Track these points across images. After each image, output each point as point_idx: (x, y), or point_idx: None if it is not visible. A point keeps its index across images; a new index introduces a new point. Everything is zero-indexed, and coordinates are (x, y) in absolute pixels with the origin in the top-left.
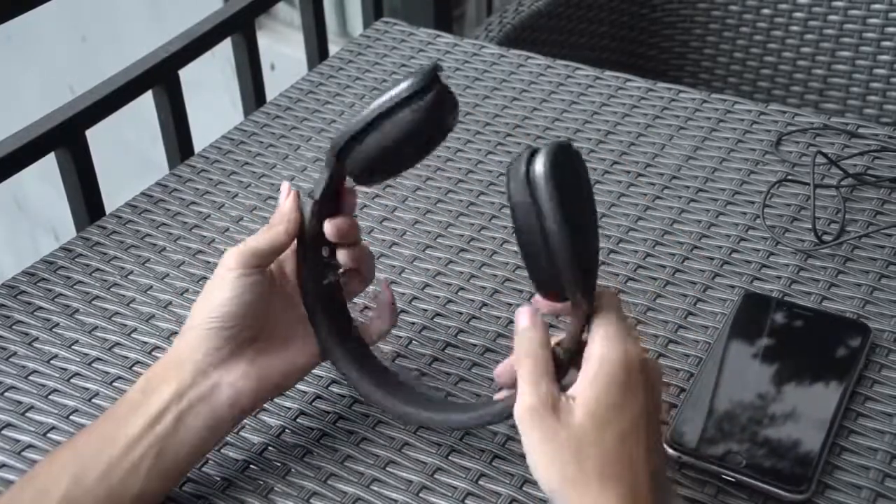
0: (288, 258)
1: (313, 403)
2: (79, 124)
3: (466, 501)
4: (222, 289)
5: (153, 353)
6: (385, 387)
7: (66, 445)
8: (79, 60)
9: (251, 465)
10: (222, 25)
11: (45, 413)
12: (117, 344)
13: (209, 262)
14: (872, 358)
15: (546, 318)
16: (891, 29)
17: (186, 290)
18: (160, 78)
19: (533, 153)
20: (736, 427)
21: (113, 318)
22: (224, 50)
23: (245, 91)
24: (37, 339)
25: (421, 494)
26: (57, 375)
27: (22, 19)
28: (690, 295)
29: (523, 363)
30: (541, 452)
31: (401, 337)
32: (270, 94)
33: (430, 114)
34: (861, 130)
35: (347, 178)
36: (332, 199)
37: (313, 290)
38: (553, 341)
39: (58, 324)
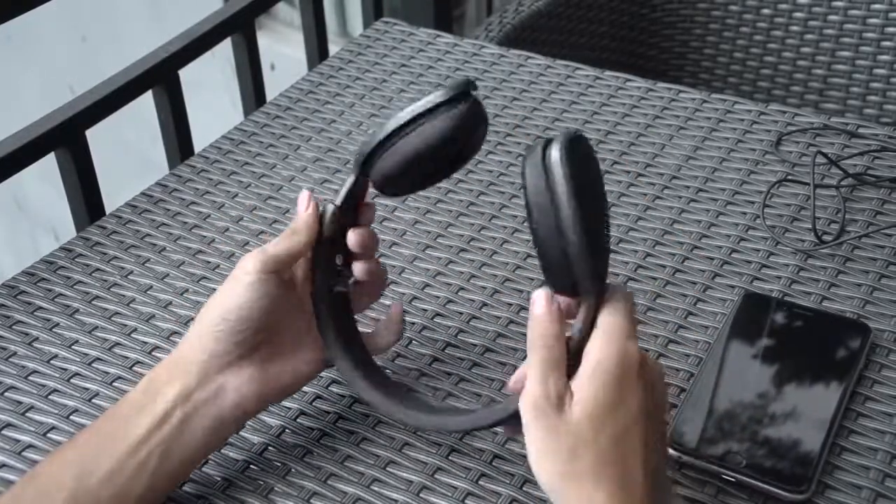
0: (300, 263)
1: (313, 403)
2: (79, 124)
3: (466, 501)
4: (238, 292)
5: (153, 353)
6: (389, 395)
7: (68, 445)
8: (79, 60)
9: (251, 465)
10: (222, 25)
11: (45, 413)
12: (117, 344)
13: (209, 262)
14: (872, 358)
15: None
16: (891, 29)
17: (186, 290)
18: (160, 78)
19: (549, 141)
20: (736, 427)
21: (113, 318)
22: (224, 50)
23: (245, 91)
24: (37, 339)
25: (421, 494)
26: (57, 375)
27: (22, 19)
28: (690, 295)
29: (535, 352)
30: (540, 446)
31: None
32: (270, 94)
33: (464, 122)
34: (861, 130)
35: (370, 192)
36: (353, 208)
37: (323, 297)
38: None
39: (58, 324)
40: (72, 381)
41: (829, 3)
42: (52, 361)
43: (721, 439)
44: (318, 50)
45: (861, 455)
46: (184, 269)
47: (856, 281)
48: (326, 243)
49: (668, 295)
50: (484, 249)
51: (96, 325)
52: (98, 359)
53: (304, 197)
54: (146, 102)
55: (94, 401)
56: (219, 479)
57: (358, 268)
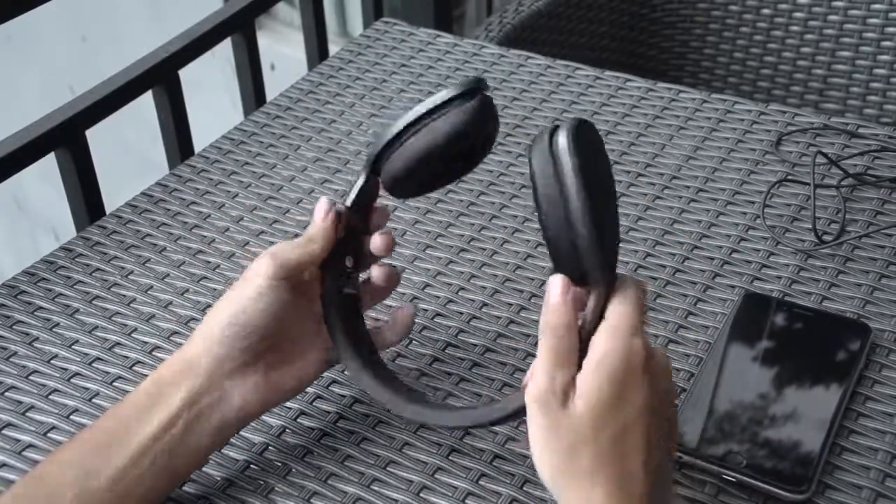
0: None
1: (314, 403)
2: (79, 124)
3: (467, 501)
4: (249, 297)
5: (153, 353)
6: (396, 392)
7: (69, 445)
8: (79, 60)
9: (252, 465)
10: (222, 25)
11: (45, 413)
12: (117, 344)
13: (209, 262)
14: (873, 358)
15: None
16: (891, 29)
17: (187, 290)
18: (160, 78)
19: (556, 127)
20: (736, 427)
21: (113, 318)
22: (224, 50)
23: (245, 91)
24: (37, 339)
25: (421, 494)
26: (57, 375)
27: (22, 19)
28: (690, 295)
29: (546, 340)
30: (542, 442)
31: None
32: (270, 94)
33: (475, 116)
34: (861, 130)
35: (380, 199)
36: (363, 208)
37: (333, 299)
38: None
39: (58, 324)
40: (72, 380)
41: (829, 3)
42: (52, 361)
43: (721, 439)
44: (318, 50)
45: (861, 455)
46: (184, 269)
47: (856, 281)
48: (337, 245)
49: (669, 295)
50: (484, 249)
51: (96, 324)
52: (98, 359)
53: (323, 205)
54: (146, 102)
55: (94, 401)
56: (219, 478)
57: (376, 272)
